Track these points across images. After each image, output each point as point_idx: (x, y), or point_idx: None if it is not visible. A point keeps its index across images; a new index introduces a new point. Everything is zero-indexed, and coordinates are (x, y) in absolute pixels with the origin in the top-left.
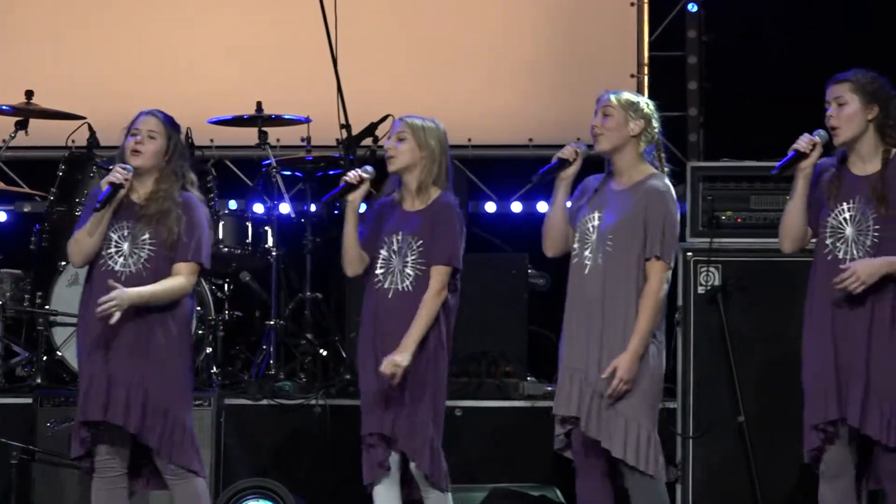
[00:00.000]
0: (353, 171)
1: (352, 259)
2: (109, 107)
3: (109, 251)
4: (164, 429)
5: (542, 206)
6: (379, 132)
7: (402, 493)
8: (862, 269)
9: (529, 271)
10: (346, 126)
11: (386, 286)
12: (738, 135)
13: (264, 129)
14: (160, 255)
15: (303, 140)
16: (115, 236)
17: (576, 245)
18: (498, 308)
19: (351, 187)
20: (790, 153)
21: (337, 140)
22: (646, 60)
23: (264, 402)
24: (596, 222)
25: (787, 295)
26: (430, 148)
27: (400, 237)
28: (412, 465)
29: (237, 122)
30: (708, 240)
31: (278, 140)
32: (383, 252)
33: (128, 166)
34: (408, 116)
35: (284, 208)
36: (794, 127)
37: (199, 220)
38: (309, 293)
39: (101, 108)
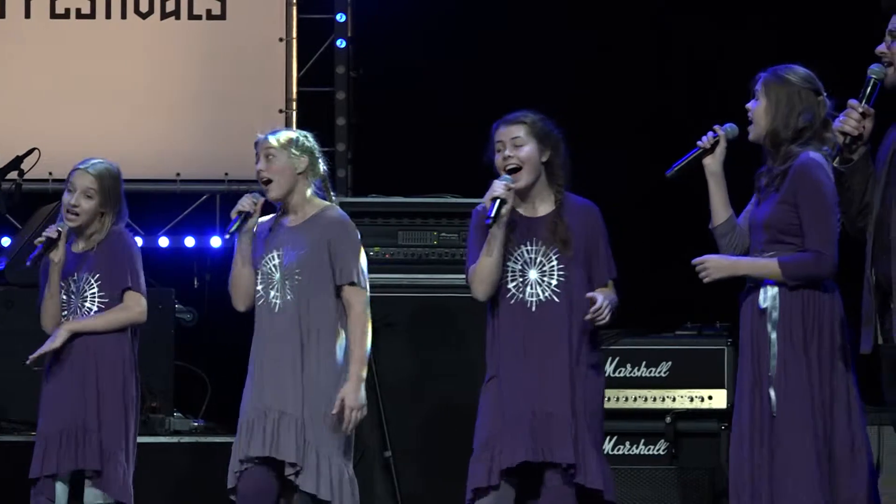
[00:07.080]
0: None
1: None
2: None
3: None
4: None
5: (189, 241)
6: (24, 165)
7: None
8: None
9: (176, 306)
10: None
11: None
12: (386, 170)
13: None
14: None
15: None
16: None
17: (259, 287)
18: (144, 342)
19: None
20: (492, 205)
21: None
22: (294, 96)
23: None
24: (277, 261)
25: (435, 331)
26: (111, 200)
27: (76, 277)
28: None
29: None
30: None
31: None
32: (64, 297)
33: None
34: (91, 166)
35: None
36: (443, 162)
37: None
38: None
39: None
